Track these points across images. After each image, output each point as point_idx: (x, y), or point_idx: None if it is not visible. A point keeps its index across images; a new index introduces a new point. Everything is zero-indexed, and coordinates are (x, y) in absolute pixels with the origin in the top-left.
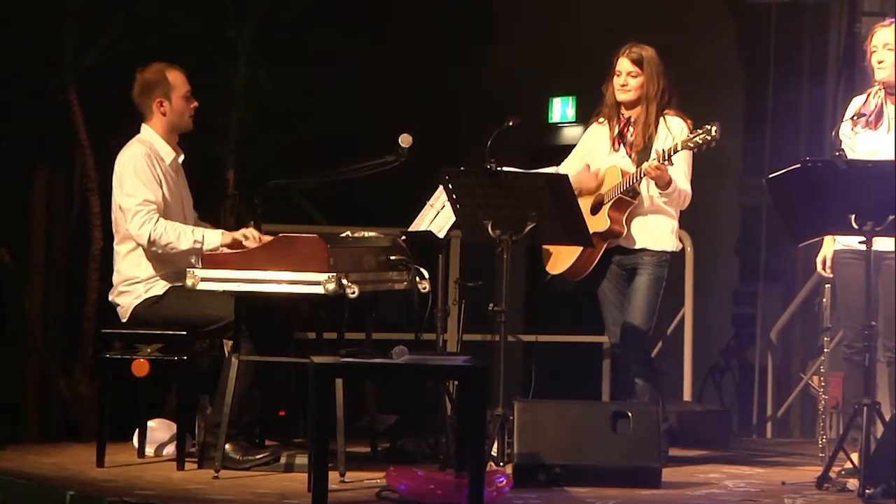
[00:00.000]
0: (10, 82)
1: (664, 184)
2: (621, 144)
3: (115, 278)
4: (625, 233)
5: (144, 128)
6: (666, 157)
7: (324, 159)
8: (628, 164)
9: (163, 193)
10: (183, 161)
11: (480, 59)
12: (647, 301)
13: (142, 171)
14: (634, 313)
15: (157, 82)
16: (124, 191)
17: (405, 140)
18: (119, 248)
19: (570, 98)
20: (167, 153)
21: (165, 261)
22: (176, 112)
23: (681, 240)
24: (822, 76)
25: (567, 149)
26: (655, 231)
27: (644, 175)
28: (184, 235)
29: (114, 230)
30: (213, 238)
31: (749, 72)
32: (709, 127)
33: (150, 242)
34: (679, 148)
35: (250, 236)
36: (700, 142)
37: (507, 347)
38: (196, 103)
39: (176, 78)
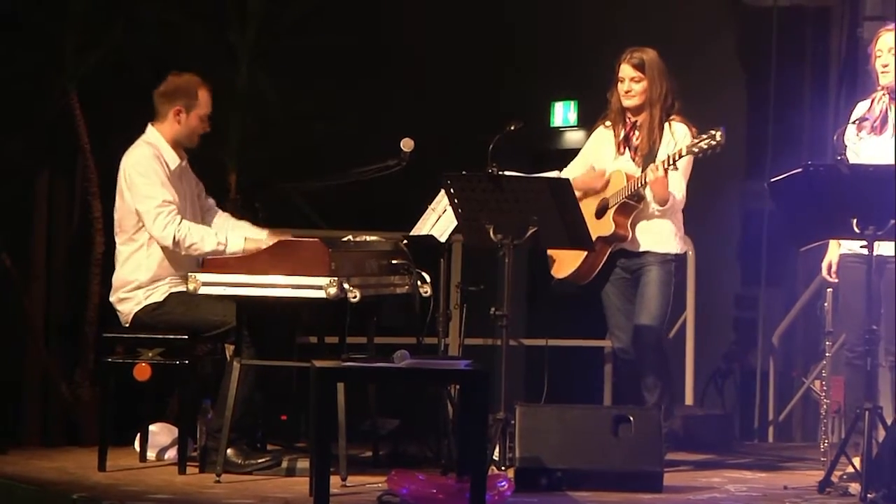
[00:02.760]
0: (11, 85)
1: (662, 200)
2: (626, 148)
3: (115, 280)
4: (630, 237)
5: (151, 129)
6: (671, 163)
7: (326, 163)
8: (633, 169)
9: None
10: (186, 163)
11: (481, 62)
12: (659, 295)
13: (153, 172)
14: (648, 307)
15: (185, 92)
16: (141, 193)
17: (407, 144)
18: (123, 249)
19: (572, 102)
20: (172, 159)
21: (170, 264)
22: (188, 127)
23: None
24: (824, 80)
25: (569, 153)
26: (659, 234)
27: (648, 182)
28: (207, 237)
29: (116, 230)
30: (237, 243)
31: (751, 76)
32: (713, 132)
33: (175, 243)
34: (683, 153)
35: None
36: (705, 147)
37: (509, 352)
38: (209, 128)
39: (204, 97)
